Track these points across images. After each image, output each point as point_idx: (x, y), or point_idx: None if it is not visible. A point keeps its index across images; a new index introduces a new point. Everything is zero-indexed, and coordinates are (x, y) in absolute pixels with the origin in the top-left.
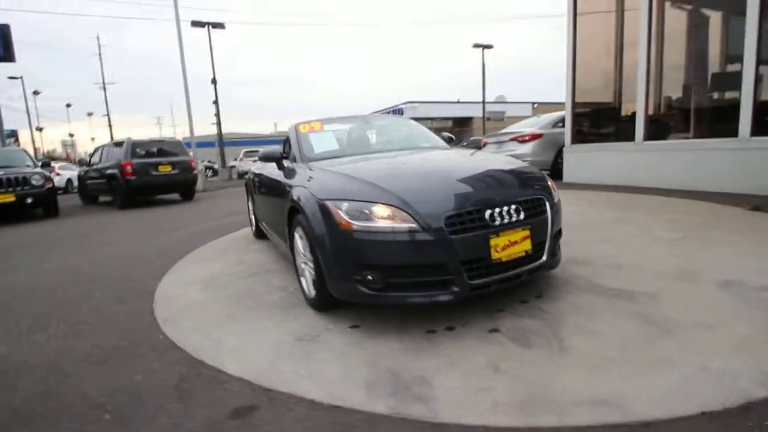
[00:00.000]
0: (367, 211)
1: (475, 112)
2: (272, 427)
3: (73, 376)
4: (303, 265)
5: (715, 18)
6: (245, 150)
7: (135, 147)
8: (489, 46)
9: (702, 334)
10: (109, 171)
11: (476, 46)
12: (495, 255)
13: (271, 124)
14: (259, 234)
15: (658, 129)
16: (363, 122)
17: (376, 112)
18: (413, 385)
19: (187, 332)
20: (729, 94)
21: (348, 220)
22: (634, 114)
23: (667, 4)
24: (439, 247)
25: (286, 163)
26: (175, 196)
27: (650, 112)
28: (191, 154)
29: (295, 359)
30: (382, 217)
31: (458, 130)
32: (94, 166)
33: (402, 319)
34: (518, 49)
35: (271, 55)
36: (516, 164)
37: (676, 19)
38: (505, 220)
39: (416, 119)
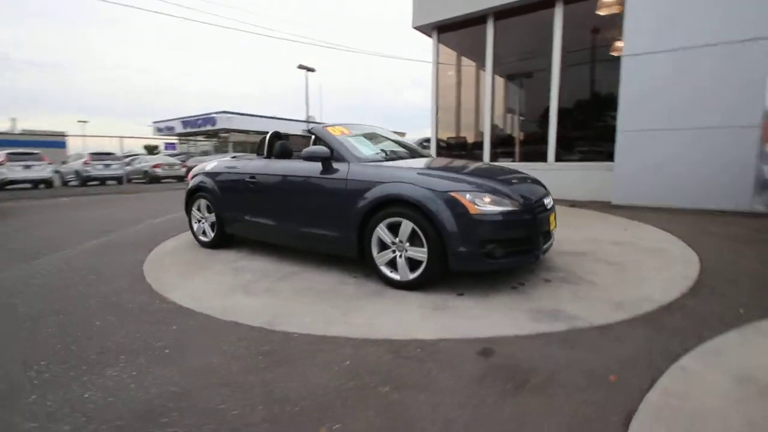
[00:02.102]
0: (485, 199)
1: (292, 129)
2: (523, 353)
3: (251, 386)
4: (391, 254)
5: (528, 82)
6: (8, 152)
7: None
8: (312, 69)
9: (640, 265)
10: None
11: (301, 67)
12: (551, 228)
13: (6, 118)
14: (222, 242)
15: (497, 154)
16: (371, 130)
17: (184, 118)
18: (556, 314)
19: (319, 327)
20: (540, 134)
21: (475, 206)
22: (481, 142)
23: (498, 75)
24: (533, 223)
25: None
26: None
27: (494, 141)
28: None
29: (459, 319)
30: (497, 203)
31: None
32: None
33: (486, 284)
34: (320, 74)
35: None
36: (522, 171)
37: (506, 82)
38: (549, 206)
39: (230, 130)
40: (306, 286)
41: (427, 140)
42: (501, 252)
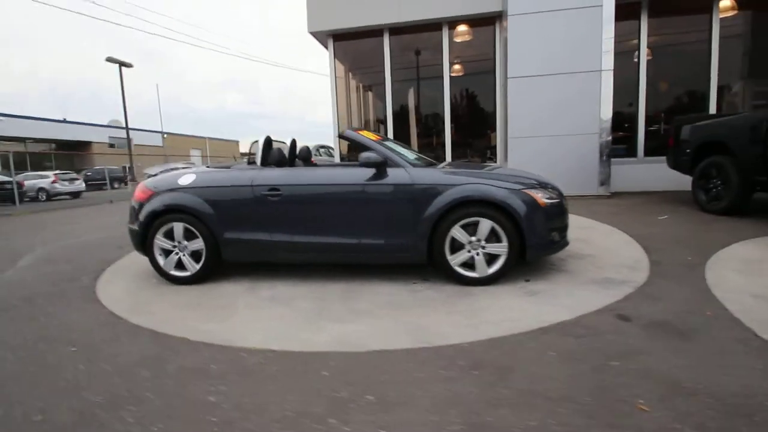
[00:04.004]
0: (546, 193)
1: (95, 136)
2: (642, 312)
3: (518, 398)
4: (466, 254)
5: (421, 92)
6: None
7: None
8: (128, 65)
9: (594, 238)
10: None
11: (111, 60)
12: None
13: None
14: (207, 275)
15: None
16: (385, 135)
17: None
18: (609, 281)
19: (472, 333)
20: (431, 138)
21: (543, 200)
22: None
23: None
24: (567, 211)
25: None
26: None
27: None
28: None
29: (561, 299)
30: (550, 197)
31: (71, 155)
32: None
33: (531, 268)
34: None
35: None
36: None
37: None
38: None
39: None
40: (384, 301)
41: (323, 146)
42: (558, 237)
